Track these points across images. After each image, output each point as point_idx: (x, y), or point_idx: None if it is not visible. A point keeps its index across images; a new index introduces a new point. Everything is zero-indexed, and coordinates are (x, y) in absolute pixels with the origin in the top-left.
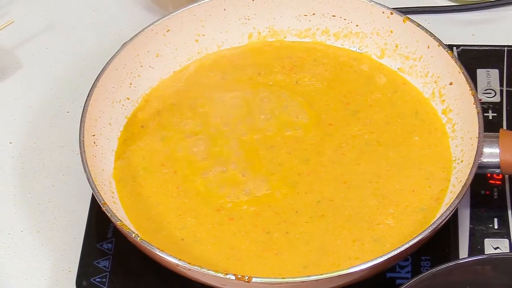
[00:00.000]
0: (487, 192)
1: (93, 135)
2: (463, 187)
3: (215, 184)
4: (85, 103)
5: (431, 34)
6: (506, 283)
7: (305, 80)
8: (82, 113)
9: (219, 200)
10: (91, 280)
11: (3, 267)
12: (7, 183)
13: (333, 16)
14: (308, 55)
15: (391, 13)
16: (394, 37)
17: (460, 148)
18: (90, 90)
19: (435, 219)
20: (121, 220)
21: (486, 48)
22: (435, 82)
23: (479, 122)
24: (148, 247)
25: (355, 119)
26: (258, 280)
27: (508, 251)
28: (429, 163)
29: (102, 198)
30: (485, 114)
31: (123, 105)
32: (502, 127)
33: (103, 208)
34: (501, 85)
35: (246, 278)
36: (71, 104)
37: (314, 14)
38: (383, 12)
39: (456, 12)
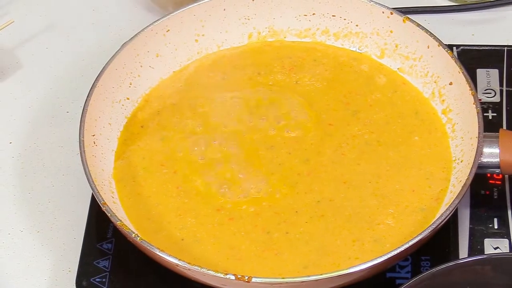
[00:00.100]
0: (487, 192)
1: (93, 135)
2: (463, 187)
3: (215, 184)
4: (85, 103)
5: (431, 34)
6: (506, 283)
7: (305, 80)
8: (82, 113)
9: (219, 200)
10: (91, 280)
11: (3, 267)
12: (7, 183)
13: (333, 16)
14: (308, 55)
15: (391, 13)
16: (394, 37)
17: (460, 148)
18: (90, 90)
19: (435, 219)
20: (121, 220)
21: (486, 48)
22: (435, 82)
23: (479, 122)
24: (148, 247)
25: (355, 119)
26: (258, 280)
27: (508, 251)
28: (429, 163)
29: (102, 198)
30: (485, 114)
31: (123, 105)
32: (502, 127)
33: (103, 208)
34: (501, 85)
35: (246, 278)
36: (71, 104)
37: (314, 14)
38: (383, 12)
39: (456, 12)
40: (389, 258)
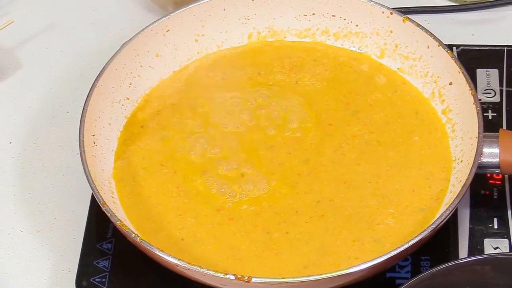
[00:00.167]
0: (487, 192)
1: (93, 135)
2: (463, 187)
3: (215, 184)
4: (85, 103)
5: (431, 34)
6: (506, 283)
7: (305, 80)
8: (82, 113)
9: (219, 200)
10: (91, 280)
11: (3, 267)
12: (7, 183)
13: (333, 16)
14: (308, 55)
15: (391, 13)
16: (394, 37)
17: (460, 148)
18: (90, 90)
19: (434, 219)
20: (120, 220)
21: (486, 48)
22: (435, 82)
23: (478, 122)
24: (148, 247)
25: (355, 119)
26: (258, 280)
27: (508, 251)
28: (429, 163)
29: (101, 198)
30: (485, 114)
31: (122, 105)
32: (501, 127)
33: (103, 208)
34: (501, 85)
35: (246, 278)
36: (71, 104)
37: (314, 14)
38: (383, 12)
39: (456, 12)
40: (389, 258)
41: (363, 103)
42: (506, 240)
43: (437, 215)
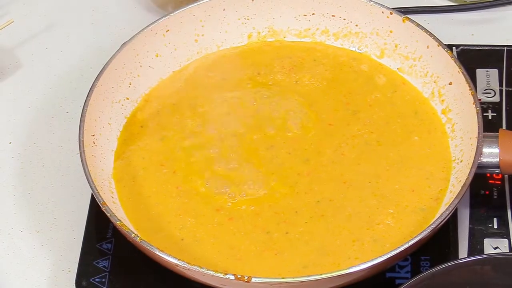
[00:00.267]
0: (487, 192)
1: (93, 135)
2: (462, 187)
3: (214, 184)
4: (85, 103)
5: (430, 34)
6: (506, 283)
7: (305, 80)
8: (82, 113)
9: (218, 200)
10: (91, 280)
11: (3, 267)
12: (7, 183)
13: (332, 16)
14: (308, 55)
15: (391, 13)
16: (393, 37)
17: (459, 148)
18: (89, 90)
19: (434, 219)
20: (120, 220)
21: (486, 48)
22: (434, 82)
23: (478, 122)
24: (148, 247)
25: (355, 119)
26: (258, 280)
27: (508, 251)
28: (428, 163)
29: (101, 198)
30: (485, 114)
31: (122, 105)
32: (501, 127)
33: (103, 208)
34: (501, 85)
35: (246, 278)
36: (70, 104)
37: (313, 14)
38: (383, 12)
39: (455, 12)
40: (388, 258)
41: (363, 103)
42: (506, 240)
43: (437, 215)
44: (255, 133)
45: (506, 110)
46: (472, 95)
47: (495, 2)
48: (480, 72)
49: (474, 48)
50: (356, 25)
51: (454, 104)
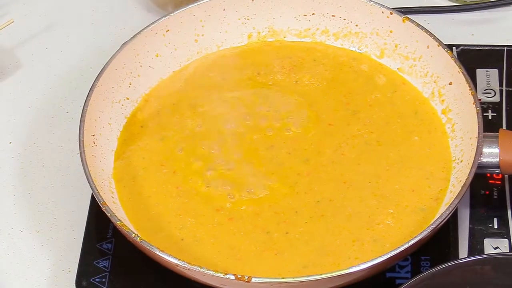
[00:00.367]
0: (487, 192)
1: (93, 135)
2: (462, 187)
3: (214, 184)
4: (85, 103)
5: (430, 34)
6: (506, 283)
7: (305, 80)
8: (82, 113)
9: (218, 200)
10: (91, 280)
11: (3, 267)
12: (7, 183)
13: (332, 16)
14: (308, 55)
15: (391, 13)
16: (393, 37)
17: (459, 148)
18: (89, 90)
19: (434, 219)
20: (120, 220)
21: (486, 48)
22: (434, 82)
23: (478, 122)
24: (148, 247)
25: (355, 119)
26: (258, 280)
27: (508, 251)
28: (428, 163)
29: (101, 198)
30: (485, 114)
31: (122, 105)
32: (501, 127)
33: (103, 208)
34: (501, 85)
35: (246, 278)
36: (70, 104)
37: (313, 14)
38: (383, 12)
39: (455, 12)
40: (388, 258)
41: (363, 103)
42: (506, 240)
43: (437, 215)
44: (255, 133)
45: (506, 110)
46: (472, 95)
47: (495, 2)
48: (480, 72)
49: (474, 48)
50: (356, 25)
51: (454, 104)
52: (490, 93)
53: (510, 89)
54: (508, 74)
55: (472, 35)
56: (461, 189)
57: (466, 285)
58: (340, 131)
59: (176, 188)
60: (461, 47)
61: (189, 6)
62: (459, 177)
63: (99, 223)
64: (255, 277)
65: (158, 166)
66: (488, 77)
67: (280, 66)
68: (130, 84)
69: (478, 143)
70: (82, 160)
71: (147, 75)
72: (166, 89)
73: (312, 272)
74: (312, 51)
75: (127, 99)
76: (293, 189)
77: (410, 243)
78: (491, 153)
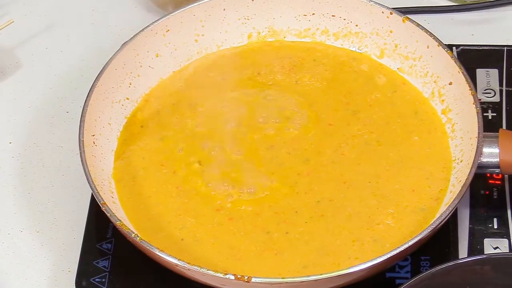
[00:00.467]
0: (487, 192)
1: (93, 135)
2: (462, 187)
3: (214, 184)
4: (85, 103)
5: (430, 34)
6: (506, 283)
7: (305, 80)
8: (82, 113)
9: (218, 200)
10: (91, 280)
11: (3, 267)
12: (7, 183)
13: (332, 16)
14: (308, 55)
15: (391, 13)
16: (393, 37)
17: (459, 148)
18: (89, 90)
19: (434, 219)
20: (120, 220)
21: (486, 48)
22: (434, 82)
23: (478, 122)
24: (148, 247)
25: (355, 119)
26: (258, 280)
27: (508, 251)
28: (428, 163)
29: (101, 198)
30: (485, 114)
31: (122, 105)
32: (501, 127)
33: (103, 208)
34: (501, 85)
35: (246, 278)
36: (70, 104)
37: (313, 14)
38: (383, 12)
39: (455, 12)
40: (388, 258)
41: (363, 103)
42: (506, 240)
43: (437, 215)
44: (255, 133)
45: (506, 110)
46: (472, 95)
47: (495, 2)
48: (480, 72)
49: (474, 48)
50: (356, 25)
51: (454, 104)
52: (490, 93)
53: (510, 89)
54: (508, 74)
55: (472, 35)
56: (461, 189)
57: (466, 285)
58: (340, 131)
59: (176, 188)
60: (461, 47)
61: (189, 6)
62: (459, 177)
63: (99, 223)
64: (255, 277)
65: (158, 166)
66: (488, 77)
67: (280, 66)
68: (130, 84)
69: (478, 143)
70: (82, 160)
71: (147, 75)
72: (166, 89)
73: (312, 272)
74: (312, 51)
75: (127, 99)
76: (293, 189)
77: (410, 243)
78: (491, 153)
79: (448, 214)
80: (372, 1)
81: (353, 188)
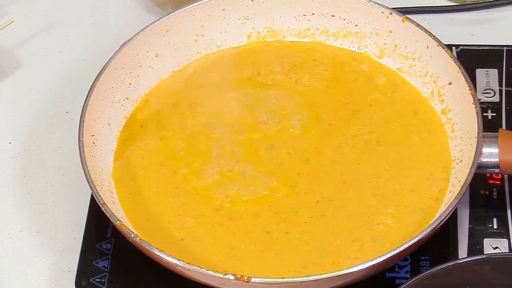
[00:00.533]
0: (487, 192)
1: (93, 135)
2: (462, 187)
3: (214, 184)
4: (85, 103)
5: (430, 34)
6: (506, 283)
7: (305, 80)
8: (82, 113)
9: (218, 200)
10: (91, 280)
11: (3, 267)
12: (6, 183)
13: (332, 16)
14: (308, 55)
15: (390, 13)
16: (393, 37)
17: (459, 148)
18: (89, 90)
19: (434, 219)
20: (120, 220)
21: (485, 48)
22: (434, 82)
23: (478, 122)
24: (147, 247)
25: (355, 119)
26: (258, 280)
27: (507, 251)
28: (428, 163)
29: (101, 198)
30: (484, 114)
31: (122, 105)
32: (501, 127)
33: (102, 208)
34: (500, 85)
35: (246, 278)
36: (70, 104)
37: (313, 14)
38: (382, 12)
39: (455, 12)
40: (388, 258)
41: (362, 103)
42: (506, 240)
43: (437, 215)
44: (255, 133)
45: (506, 110)
46: (472, 95)
47: (495, 2)
48: (480, 72)
49: (474, 48)
50: (356, 25)
51: (453, 104)
52: (489, 93)
53: (510, 89)
54: (508, 74)
55: (472, 35)
56: (460, 189)
57: (466, 285)
58: (340, 131)
59: (176, 188)
60: (461, 47)
61: (189, 6)
62: (458, 177)
63: (98, 223)
64: (254, 277)
65: (158, 166)
66: (488, 77)
67: (280, 66)
68: (130, 84)
69: (477, 143)
70: (81, 160)
71: (147, 75)
72: (166, 89)
73: (312, 272)
74: (312, 51)
75: (127, 99)
76: (293, 189)
77: (410, 243)
78: (491, 153)
79: (448, 214)
80: (371, 1)
81: (353, 188)
